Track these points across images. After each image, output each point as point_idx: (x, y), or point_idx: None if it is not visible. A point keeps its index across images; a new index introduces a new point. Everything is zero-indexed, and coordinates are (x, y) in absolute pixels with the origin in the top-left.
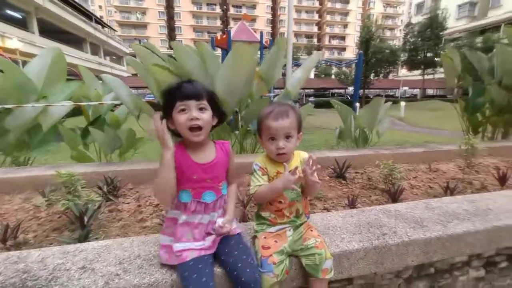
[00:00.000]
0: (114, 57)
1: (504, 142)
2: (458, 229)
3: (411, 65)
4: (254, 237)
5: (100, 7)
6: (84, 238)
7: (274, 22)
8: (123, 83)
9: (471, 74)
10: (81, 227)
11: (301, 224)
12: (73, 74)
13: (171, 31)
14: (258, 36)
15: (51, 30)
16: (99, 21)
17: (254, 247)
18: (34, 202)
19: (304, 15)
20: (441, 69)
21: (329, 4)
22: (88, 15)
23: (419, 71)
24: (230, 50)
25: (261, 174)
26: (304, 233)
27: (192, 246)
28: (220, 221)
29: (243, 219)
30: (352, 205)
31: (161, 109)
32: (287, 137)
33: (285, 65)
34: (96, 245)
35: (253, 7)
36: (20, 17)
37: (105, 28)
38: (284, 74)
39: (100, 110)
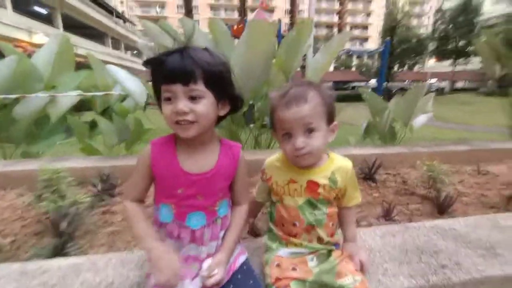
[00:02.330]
0: (135, 52)
1: None
2: None
3: (441, 55)
4: (265, 265)
5: (122, 2)
6: (60, 249)
7: (292, 12)
8: (129, 73)
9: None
10: (57, 235)
11: (330, 251)
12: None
13: None
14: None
15: (74, 25)
16: (120, 16)
17: (264, 278)
18: (24, 199)
19: (324, 4)
20: (474, 59)
21: None
22: (109, 10)
23: (447, 63)
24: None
25: (260, 177)
26: (338, 265)
27: None
28: (205, 265)
29: (252, 231)
30: (387, 216)
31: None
32: (309, 130)
33: (304, 55)
34: (63, 264)
35: None
36: (46, 12)
37: (126, 23)
38: (303, 67)
39: (109, 101)
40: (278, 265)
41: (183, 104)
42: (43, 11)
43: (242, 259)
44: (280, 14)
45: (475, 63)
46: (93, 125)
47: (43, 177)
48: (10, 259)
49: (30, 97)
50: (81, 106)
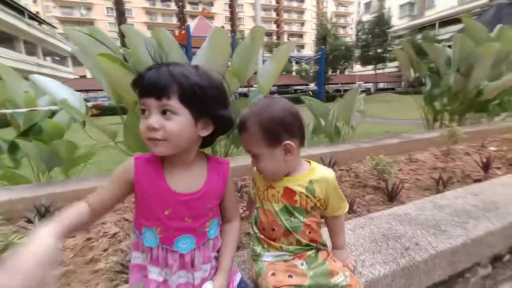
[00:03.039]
0: (57, 58)
1: (468, 128)
2: (479, 230)
3: (364, 60)
4: (258, 276)
5: (35, 1)
6: None
7: (232, 19)
8: (60, 83)
9: (422, 67)
10: None
11: (317, 252)
12: None
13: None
14: None
15: None
16: (34, 17)
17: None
18: None
19: (262, 13)
20: (390, 64)
21: (285, 3)
22: (19, 10)
23: (371, 66)
24: (190, 45)
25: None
26: (328, 265)
27: None
28: None
29: None
30: (350, 209)
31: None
32: (253, 156)
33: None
34: None
35: (211, 4)
36: None
37: (43, 25)
38: (254, 72)
39: (34, 117)
40: (273, 274)
41: (154, 120)
42: None
43: (238, 278)
44: (221, 20)
45: (390, 67)
46: (14, 146)
47: None
48: None
49: None
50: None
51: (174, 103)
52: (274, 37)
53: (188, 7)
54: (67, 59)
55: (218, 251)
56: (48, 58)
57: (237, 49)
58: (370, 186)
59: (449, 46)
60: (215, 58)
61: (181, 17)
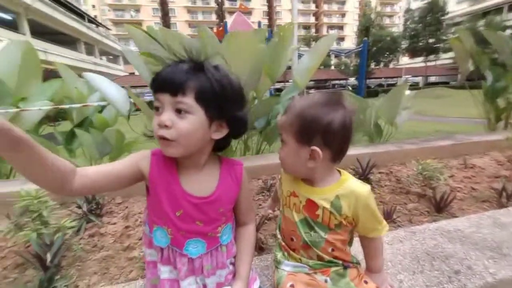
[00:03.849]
0: (111, 57)
1: None
2: None
3: (413, 52)
4: (277, 285)
5: (94, 6)
6: (47, 283)
7: (270, 14)
8: (109, 80)
9: (483, 58)
10: (42, 268)
11: (345, 269)
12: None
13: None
14: (256, 27)
15: (43, 31)
16: (92, 20)
17: None
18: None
19: (300, 6)
20: (444, 55)
21: None
22: (80, 15)
23: (420, 59)
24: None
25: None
26: (357, 285)
27: None
28: None
29: (256, 246)
30: (389, 218)
31: None
32: (281, 140)
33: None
34: None
35: None
36: (11, 18)
37: (99, 27)
38: (289, 67)
39: (86, 111)
40: (292, 286)
41: (167, 116)
42: (7, 17)
43: (256, 286)
44: (258, 15)
45: (444, 59)
46: (70, 137)
47: (21, 204)
48: None
49: None
50: (56, 116)
51: (189, 100)
52: (313, 30)
53: (226, 4)
54: (119, 58)
55: (234, 257)
56: (103, 57)
57: (267, 48)
58: (414, 193)
59: None
60: (235, 63)
61: (220, 14)
